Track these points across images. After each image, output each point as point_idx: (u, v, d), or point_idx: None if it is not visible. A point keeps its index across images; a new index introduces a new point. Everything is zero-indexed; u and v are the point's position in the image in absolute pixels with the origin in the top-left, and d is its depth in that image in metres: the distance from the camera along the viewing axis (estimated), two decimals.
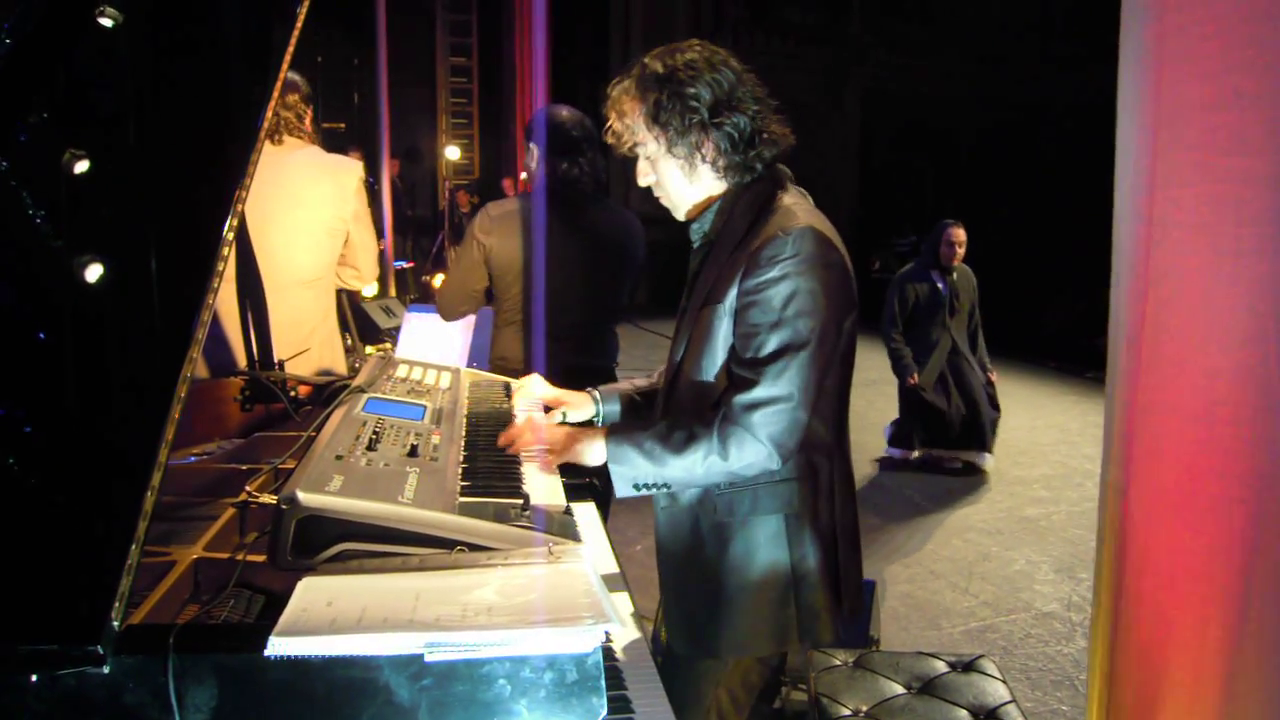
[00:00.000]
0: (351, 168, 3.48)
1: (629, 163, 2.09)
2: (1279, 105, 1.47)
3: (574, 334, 3.39)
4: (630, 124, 2.00)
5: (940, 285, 6.66)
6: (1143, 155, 1.78)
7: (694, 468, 1.90)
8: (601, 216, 3.45)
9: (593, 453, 1.98)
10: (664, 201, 2.10)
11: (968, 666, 2.61)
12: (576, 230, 3.35)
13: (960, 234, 6.65)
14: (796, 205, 1.98)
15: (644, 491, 1.96)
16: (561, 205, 3.32)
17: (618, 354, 3.63)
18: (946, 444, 6.64)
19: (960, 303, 6.68)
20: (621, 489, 1.95)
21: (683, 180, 2.03)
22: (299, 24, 2.30)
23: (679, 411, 2.04)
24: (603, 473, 1.97)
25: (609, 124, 2.05)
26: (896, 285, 6.78)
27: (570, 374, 2.52)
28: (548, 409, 2.34)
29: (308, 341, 3.23)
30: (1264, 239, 1.50)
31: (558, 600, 1.30)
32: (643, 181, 2.08)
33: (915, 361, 6.63)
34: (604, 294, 3.48)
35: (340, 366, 3.54)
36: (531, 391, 2.35)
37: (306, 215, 3.35)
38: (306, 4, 2.35)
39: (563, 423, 2.29)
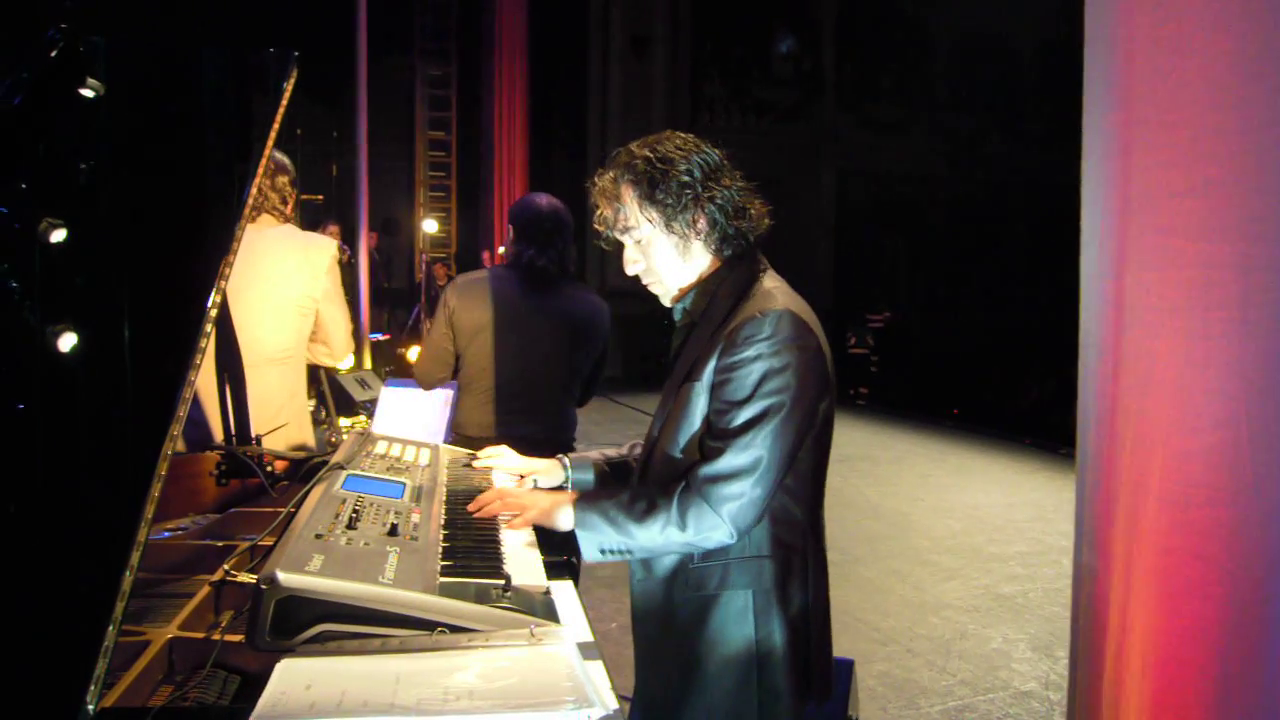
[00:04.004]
0: (324, 245, 3.46)
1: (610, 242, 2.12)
2: (1246, 192, 1.52)
3: (531, 405, 3.52)
4: (622, 207, 2.04)
5: None
6: (1110, 241, 1.82)
7: (655, 537, 1.93)
8: (567, 296, 3.60)
9: (561, 517, 2.00)
10: (654, 288, 2.13)
11: None
12: (540, 308, 3.53)
13: None
14: (777, 289, 2.03)
15: (610, 558, 1.97)
16: (528, 282, 3.53)
17: (574, 428, 3.71)
18: None
19: None
20: (589, 553, 1.97)
21: (677, 259, 2.05)
22: (285, 99, 2.32)
23: (652, 484, 2.05)
24: (578, 548, 1.98)
25: (599, 211, 2.08)
26: None
27: (523, 443, 2.56)
28: (520, 477, 2.39)
29: (275, 420, 3.16)
30: (1232, 323, 1.54)
31: (540, 684, 1.29)
32: (631, 270, 2.11)
33: None
34: (563, 369, 3.59)
35: (310, 442, 3.49)
36: (507, 462, 2.40)
37: (275, 293, 3.32)
38: (293, 80, 2.38)
39: (535, 488, 2.32)
